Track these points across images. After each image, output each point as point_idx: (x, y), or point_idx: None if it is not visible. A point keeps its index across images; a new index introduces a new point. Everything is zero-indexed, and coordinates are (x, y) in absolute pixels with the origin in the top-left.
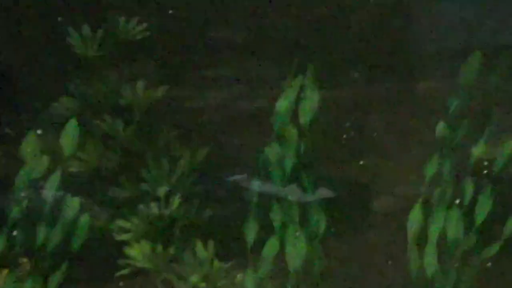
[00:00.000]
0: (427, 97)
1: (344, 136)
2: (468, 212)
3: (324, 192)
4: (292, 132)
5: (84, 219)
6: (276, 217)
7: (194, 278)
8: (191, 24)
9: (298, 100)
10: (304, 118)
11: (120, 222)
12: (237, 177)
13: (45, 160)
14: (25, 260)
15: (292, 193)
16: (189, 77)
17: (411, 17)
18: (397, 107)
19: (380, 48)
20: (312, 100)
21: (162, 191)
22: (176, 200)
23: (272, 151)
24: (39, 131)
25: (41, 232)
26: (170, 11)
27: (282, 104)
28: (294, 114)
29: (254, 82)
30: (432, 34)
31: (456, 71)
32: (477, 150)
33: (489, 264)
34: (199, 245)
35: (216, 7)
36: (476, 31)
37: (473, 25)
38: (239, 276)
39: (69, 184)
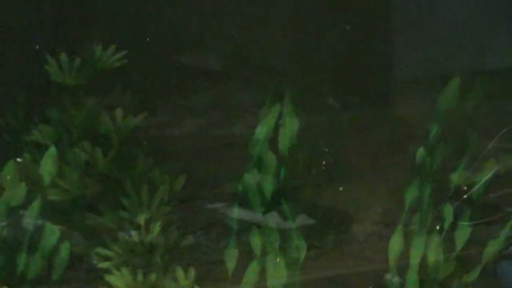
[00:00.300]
0: (406, 122)
1: (324, 162)
2: (448, 237)
3: (303, 219)
4: (272, 158)
5: (65, 247)
6: (256, 243)
7: None
8: (167, 50)
9: (276, 127)
10: (284, 145)
11: (100, 250)
12: (216, 204)
13: (23, 187)
14: None
15: (272, 220)
16: (166, 104)
17: (389, 41)
18: (375, 133)
19: (357, 73)
20: (291, 127)
21: (142, 218)
22: (156, 227)
23: (251, 178)
24: (19, 159)
25: (21, 260)
26: (147, 39)
27: (261, 131)
28: (273, 141)
29: (231, 109)
30: (410, 59)
31: (434, 97)
32: (456, 176)
33: None
34: (179, 272)
35: (192, 34)
36: (455, 56)
37: (452, 50)
38: None
39: (49, 212)
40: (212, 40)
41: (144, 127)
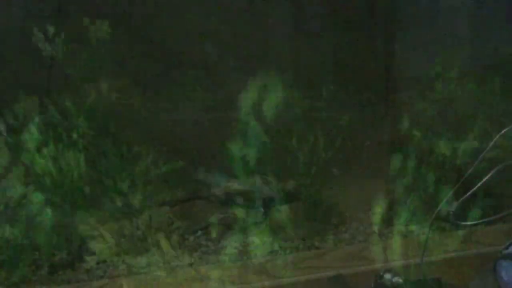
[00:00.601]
0: (413, 115)
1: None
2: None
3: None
4: (256, 127)
5: (47, 214)
6: (239, 210)
7: None
8: (167, 38)
9: (263, 100)
10: (268, 114)
11: (101, 229)
12: (202, 175)
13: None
14: None
15: (256, 187)
16: (164, 90)
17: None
18: (381, 126)
19: (366, 70)
20: (275, 98)
21: (138, 198)
22: (152, 207)
23: (235, 147)
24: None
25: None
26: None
27: (246, 101)
28: (259, 113)
29: (228, 94)
30: (417, 56)
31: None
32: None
33: None
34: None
35: (193, 24)
36: (462, 51)
37: (460, 46)
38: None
39: (51, 197)
40: (212, 30)
41: (144, 111)
